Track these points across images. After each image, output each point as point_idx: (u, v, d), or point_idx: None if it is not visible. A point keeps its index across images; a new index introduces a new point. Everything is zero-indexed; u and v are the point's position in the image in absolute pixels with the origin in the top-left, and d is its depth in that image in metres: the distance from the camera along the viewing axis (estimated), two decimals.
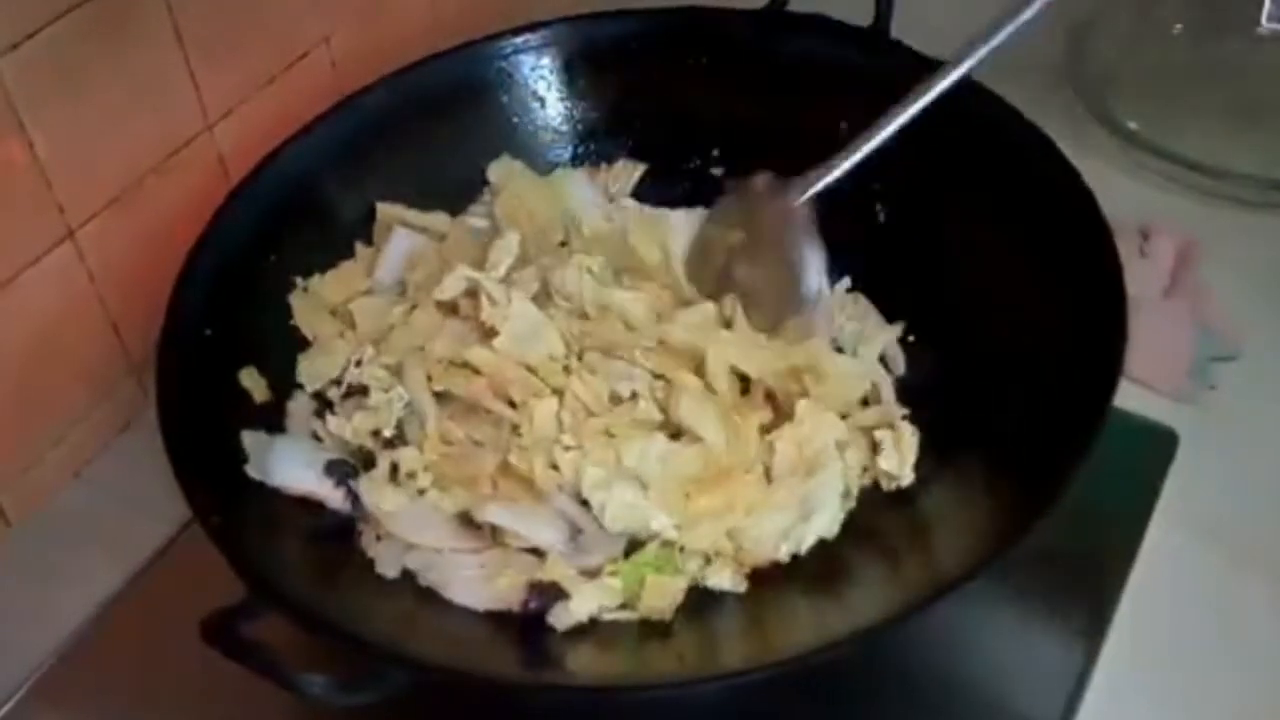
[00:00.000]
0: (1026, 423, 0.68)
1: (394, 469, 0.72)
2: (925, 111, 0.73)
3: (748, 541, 0.69)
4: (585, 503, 0.69)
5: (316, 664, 0.55)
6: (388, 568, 0.68)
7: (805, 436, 0.72)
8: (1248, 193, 0.92)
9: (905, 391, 0.76)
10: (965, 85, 0.78)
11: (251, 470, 0.69)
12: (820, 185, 0.75)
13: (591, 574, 0.67)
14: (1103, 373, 0.65)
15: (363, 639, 0.59)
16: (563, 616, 0.66)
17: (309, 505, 0.70)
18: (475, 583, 0.68)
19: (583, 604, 0.66)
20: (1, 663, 0.72)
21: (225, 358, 0.73)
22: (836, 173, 0.75)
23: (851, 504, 0.71)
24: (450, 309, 0.77)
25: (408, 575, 0.68)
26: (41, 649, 0.72)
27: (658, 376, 0.74)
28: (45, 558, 0.77)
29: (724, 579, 0.68)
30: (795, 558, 0.69)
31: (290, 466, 0.70)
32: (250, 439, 0.70)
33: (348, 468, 0.71)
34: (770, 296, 0.77)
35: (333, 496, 0.70)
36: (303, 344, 0.78)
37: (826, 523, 0.70)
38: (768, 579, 0.69)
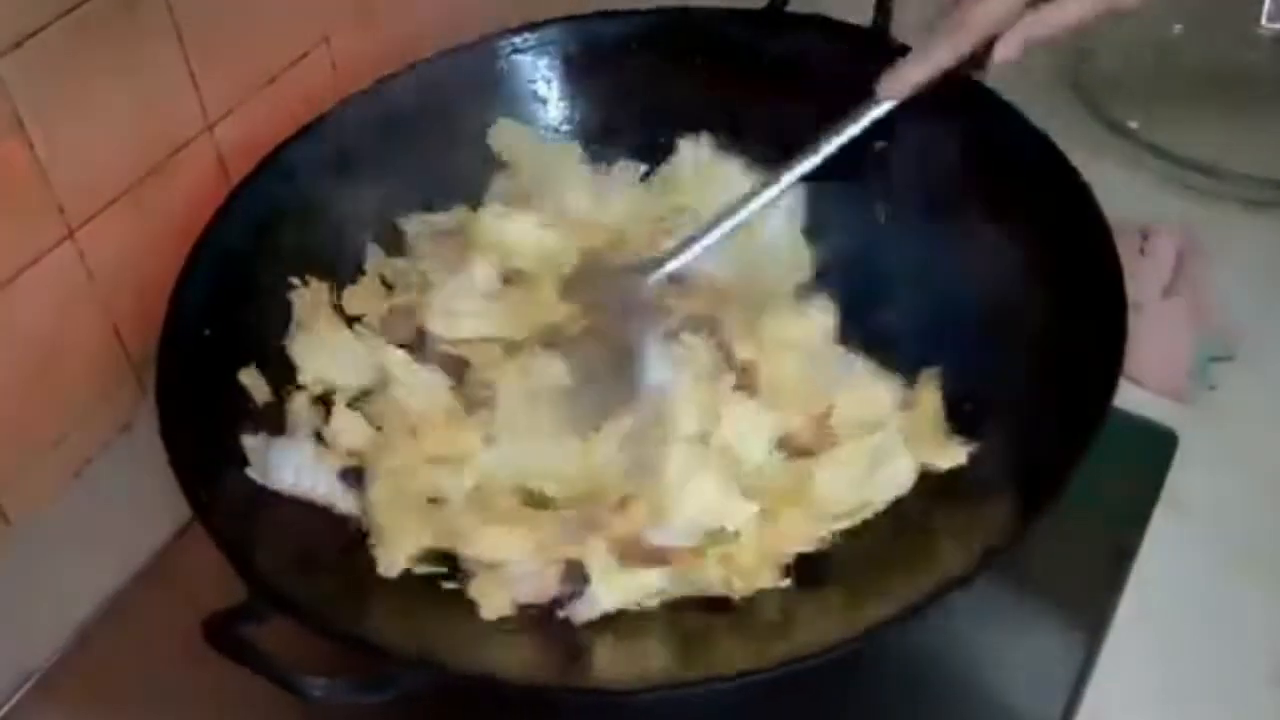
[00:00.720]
0: (1026, 422, 0.68)
1: None
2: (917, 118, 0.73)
3: (823, 501, 0.69)
4: None
5: (318, 665, 0.55)
6: (389, 568, 0.69)
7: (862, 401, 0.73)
8: (1248, 193, 0.92)
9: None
10: (964, 84, 0.79)
11: (254, 474, 0.69)
12: (666, 269, 0.74)
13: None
14: (1103, 373, 0.65)
15: (365, 640, 0.59)
16: (583, 609, 0.66)
17: (310, 506, 0.70)
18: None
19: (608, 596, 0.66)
20: (1, 663, 0.72)
21: (225, 358, 0.73)
22: (682, 258, 0.74)
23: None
24: None
25: (410, 575, 0.68)
26: (42, 649, 0.72)
27: None
28: (46, 557, 0.77)
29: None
30: (794, 557, 0.70)
31: (293, 470, 0.70)
32: (251, 442, 0.70)
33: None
34: (605, 379, 0.74)
35: (335, 497, 0.70)
36: None
37: (904, 471, 0.71)
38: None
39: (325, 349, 0.77)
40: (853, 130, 0.72)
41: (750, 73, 0.86)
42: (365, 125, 0.82)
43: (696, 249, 0.73)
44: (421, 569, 0.69)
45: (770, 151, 0.85)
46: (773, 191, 0.73)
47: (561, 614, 0.66)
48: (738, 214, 0.73)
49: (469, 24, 0.90)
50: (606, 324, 0.75)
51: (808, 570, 0.69)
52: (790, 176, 0.73)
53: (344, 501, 0.71)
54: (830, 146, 0.72)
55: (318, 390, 0.76)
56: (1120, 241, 0.70)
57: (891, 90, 0.71)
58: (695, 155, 0.85)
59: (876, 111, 0.72)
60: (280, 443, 0.72)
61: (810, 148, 0.72)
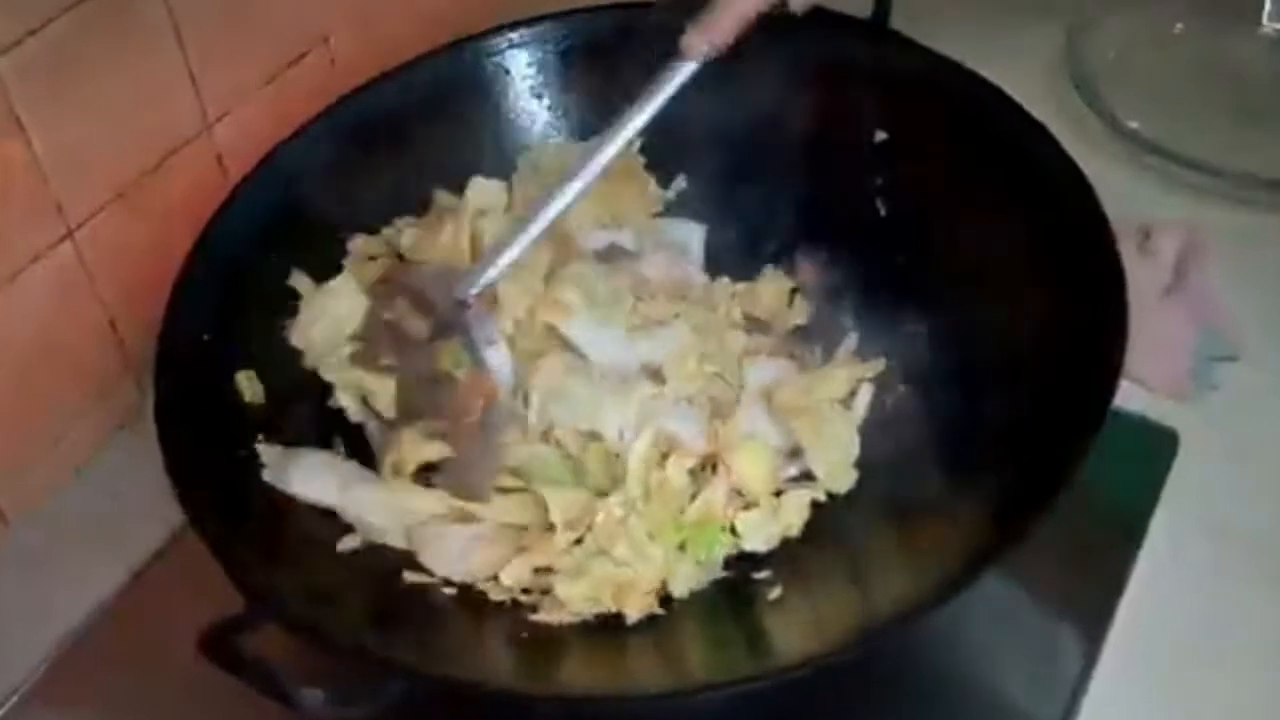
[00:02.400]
0: (1027, 422, 0.68)
1: None
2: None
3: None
4: None
5: (316, 671, 0.55)
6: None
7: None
8: (1248, 192, 0.92)
9: (904, 390, 0.76)
10: (967, 77, 0.79)
11: (268, 475, 0.70)
12: (486, 281, 0.69)
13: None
14: (1103, 373, 0.65)
15: (359, 649, 0.59)
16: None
17: (309, 512, 0.70)
18: (454, 552, 0.69)
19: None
20: (1, 663, 0.72)
21: (224, 362, 0.73)
22: (499, 267, 0.69)
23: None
24: None
25: (407, 585, 0.68)
26: (41, 649, 0.72)
27: None
28: (45, 557, 0.77)
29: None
30: (794, 560, 0.69)
31: (311, 477, 0.70)
32: (265, 447, 0.71)
33: None
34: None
35: (343, 504, 0.70)
36: None
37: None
38: (764, 581, 0.69)
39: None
40: (663, 96, 0.70)
41: (748, 66, 0.86)
42: (364, 124, 0.82)
43: (501, 265, 0.69)
44: (416, 578, 0.69)
45: (771, 144, 0.85)
46: (595, 169, 0.70)
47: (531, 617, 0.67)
48: (551, 211, 0.69)
49: (467, 22, 0.89)
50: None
51: (805, 573, 0.69)
52: (607, 152, 0.70)
53: (352, 507, 0.71)
54: (643, 116, 0.70)
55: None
56: (1121, 241, 0.70)
57: (698, 46, 0.69)
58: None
59: (685, 72, 0.70)
60: (295, 450, 0.72)
61: (622, 118, 0.70)
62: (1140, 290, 0.74)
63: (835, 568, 0.69)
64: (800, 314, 0.82)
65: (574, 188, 0.70)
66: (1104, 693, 0.68)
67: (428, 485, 0.72)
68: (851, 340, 0.80)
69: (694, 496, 0.71)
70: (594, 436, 0.72)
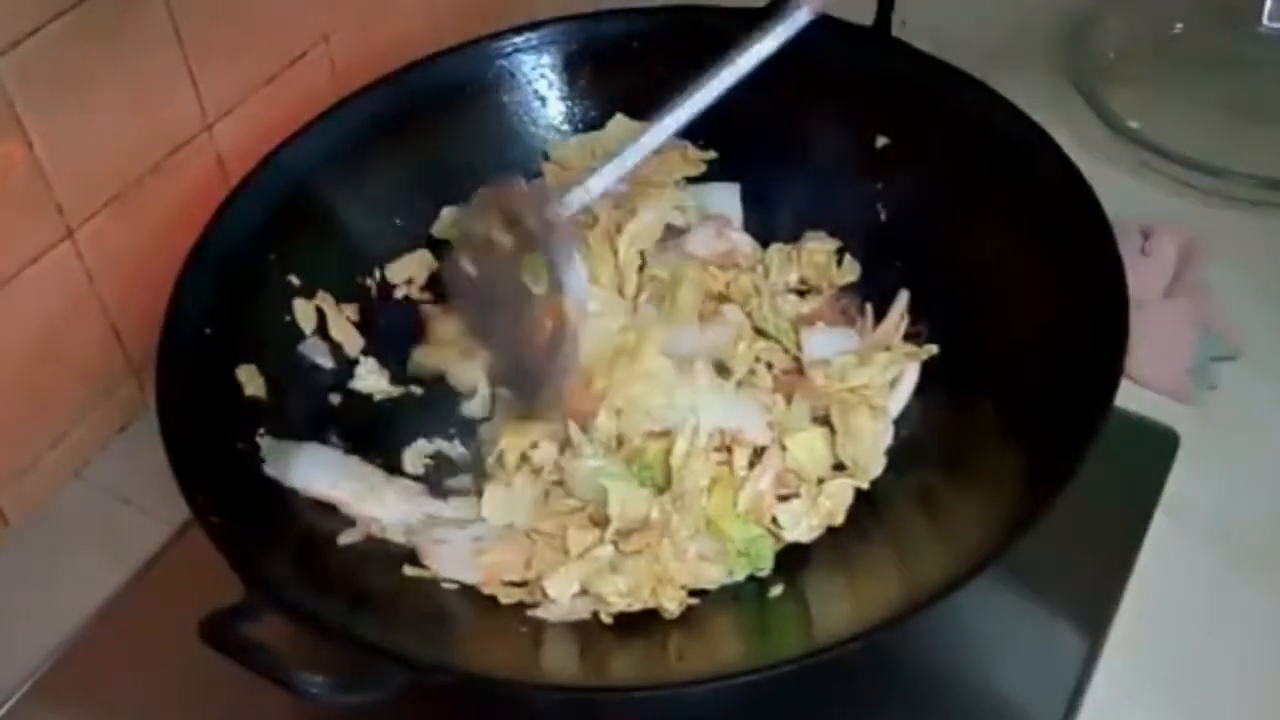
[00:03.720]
0: (1027, 422, 0.68)
1: None
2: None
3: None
4: None
5: (316, 664, 0.55)
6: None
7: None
8: (1248, 192, 0.92)
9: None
10: (966, 83, 0.79)
11: (269, 469, 0.70)
12: (577, 204, 0.70)
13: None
14: (1104, 372, 0.65)
15: (360, 638, 0.59)
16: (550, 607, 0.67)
17: (311, 505, 0.70)
18: (459, 555, 0.69)
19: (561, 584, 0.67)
20: (1, 663, 0.72)
21: (225, 356, 0.73)
22: (591, 193, 0.70)
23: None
24: None
25: (407, 577, 0.68)
26: (41, 649, 0.72)
27: None
28: (45, 558, 0.77)
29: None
30: (794, 555, 0.69)
31: (312, 471, 0.70)
32: (269, 441, 0.71)
33: None
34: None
35: (350, 497, 0.71)
36: (301, 340, 0.78)
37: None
38: (767, 580, 0.69)
39: None
40: (772, 45, 0.71)
41: (751, 71, 0.86)
42: (365, 124, 0.82)
43: (601, 188, 0.71)
44: (416, 573, 0.69)
45: (773, 149, 0.85)
46: (690, 108, 0.71)
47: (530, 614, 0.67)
48: (651, 140, 0.71)
49: (469, 23, 0.90)
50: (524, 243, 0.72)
51: (805, 572, 0.69)
52: (711, 88, 0.71)
53: (352, 501, 0.71)
54: (752, 60, 0.71)
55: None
56: (1121, 241, 0.70)
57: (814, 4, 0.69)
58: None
59: (799, 19, 0.70)
60: (296, 444, 0.72)
61: (729, 60, 0.71)
62: (1140, 291, 0.74)
63: (835, 566, 0.69)
64: (850, 272, 0.82)
65: (667, 124, 0.70)
66: (1104, 693, 0.68)
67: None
68: (903, 297, 0.79)
69: (742, 485, 0.71)
70: (655, 435, 0.73)
